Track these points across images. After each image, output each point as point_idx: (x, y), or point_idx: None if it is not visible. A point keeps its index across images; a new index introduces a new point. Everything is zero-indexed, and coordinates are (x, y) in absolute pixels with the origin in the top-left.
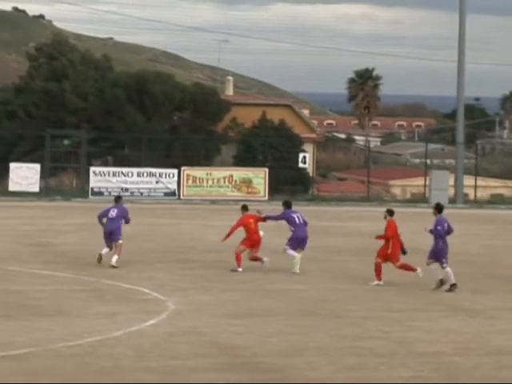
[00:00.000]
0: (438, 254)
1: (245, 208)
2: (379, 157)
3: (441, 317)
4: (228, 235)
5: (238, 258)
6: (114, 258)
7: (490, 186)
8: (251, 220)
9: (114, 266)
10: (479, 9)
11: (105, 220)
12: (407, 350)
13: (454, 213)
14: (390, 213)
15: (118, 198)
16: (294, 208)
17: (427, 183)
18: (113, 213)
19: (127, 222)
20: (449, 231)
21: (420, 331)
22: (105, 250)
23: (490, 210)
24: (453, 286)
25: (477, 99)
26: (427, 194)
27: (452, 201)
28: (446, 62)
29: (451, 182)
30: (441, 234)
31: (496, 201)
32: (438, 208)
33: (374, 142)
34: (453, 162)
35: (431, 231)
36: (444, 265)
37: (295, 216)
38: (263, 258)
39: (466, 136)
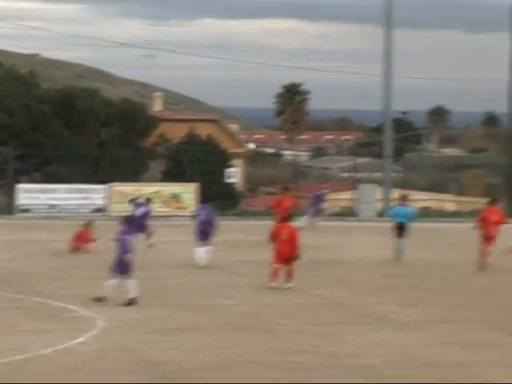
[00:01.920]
0: (122, 267)
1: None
2: (308, 171)
3: (369, 330)
4: None
5: None
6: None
7: (417, 199)
8: None
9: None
10: (405, 23)
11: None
12: (337, 364)
13: (383, 226)
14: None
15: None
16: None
17: (355, 197)
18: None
19: None
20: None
21: (349, 344)
22: None
23: (418, 222)
24: (131, 300)
25: (404, 113)
26: (355, 208)
27: (380, 214)
28: (373, 76)
29: (379, 195)
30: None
31: (424, 213)
32: (126, 219)
33: (303, 157)
34: (381, 175)
35: (116, 240)
36: (123, 278)
37: (203, 212)
38: None
39: (393, 149)
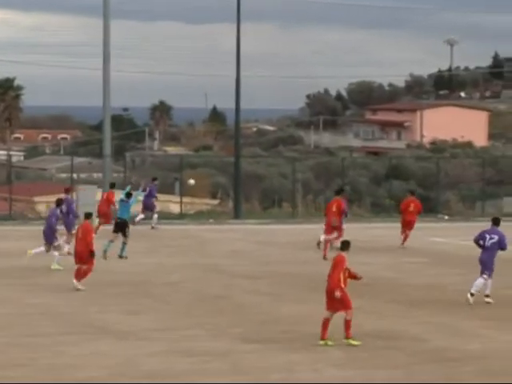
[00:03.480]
0: None
1: None
2: (22, 172)
3: (90, 340)
4: None
5: None
6: None
7: (138, 201)
8: None
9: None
10: (125, 14)
11: None
12: (55, 378)
13: (101, 229)
14: None
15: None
16: None
17: (74, 198)
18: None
19: None
20: None
21: (68, 356)
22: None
23: (145, 225)
24: None
25: (125, 109)
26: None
27: None
28: (91, 70)
29: (99, 197)
30: None
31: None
32: None
33: (17, 157)
34: (101, 175)
35: None
36: None
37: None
38: None
39: (114, 148)
